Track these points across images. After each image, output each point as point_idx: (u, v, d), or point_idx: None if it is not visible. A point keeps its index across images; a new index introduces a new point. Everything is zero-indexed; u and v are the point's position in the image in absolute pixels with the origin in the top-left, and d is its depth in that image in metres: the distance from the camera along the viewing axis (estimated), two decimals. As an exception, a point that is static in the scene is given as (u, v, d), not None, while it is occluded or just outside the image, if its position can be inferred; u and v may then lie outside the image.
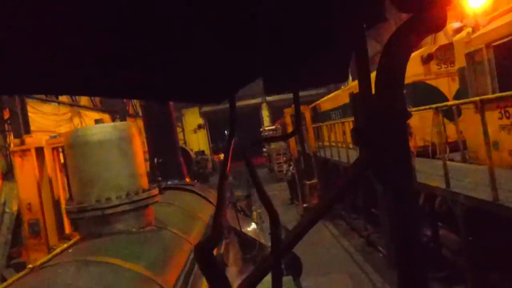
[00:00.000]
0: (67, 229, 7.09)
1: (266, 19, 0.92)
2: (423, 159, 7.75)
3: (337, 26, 1.00)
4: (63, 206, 7.08)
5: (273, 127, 25.90)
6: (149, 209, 3.08)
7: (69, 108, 14.49)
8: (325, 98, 20.12)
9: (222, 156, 28.75)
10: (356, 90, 9.03)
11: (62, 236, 6.98)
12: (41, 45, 0.78)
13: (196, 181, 6.04)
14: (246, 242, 4.51)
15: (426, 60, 9.16)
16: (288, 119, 13.25)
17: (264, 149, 27.37)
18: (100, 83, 1.07)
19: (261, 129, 26.93)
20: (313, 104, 18.50)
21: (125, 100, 20.51)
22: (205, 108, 31.12)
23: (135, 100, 23.39)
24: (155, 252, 2.78)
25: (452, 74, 8.91)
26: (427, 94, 8.73)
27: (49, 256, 2.87)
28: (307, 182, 12.76)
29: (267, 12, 0.88)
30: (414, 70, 8.96)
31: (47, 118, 12.66)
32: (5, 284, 2.53)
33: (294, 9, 0.90)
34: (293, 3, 0.87)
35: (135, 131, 3.11)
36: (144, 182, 3.13)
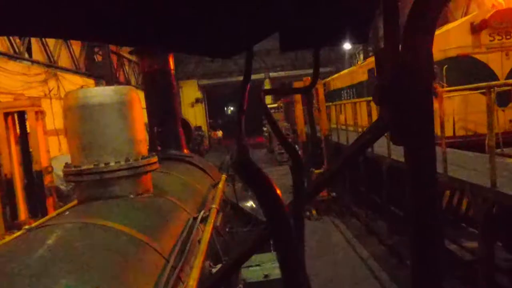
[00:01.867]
0: (22, 215, 6.54)
1: None
2: (464, 153, 6.77)
3: None
4: (18, 186, 6.61)
5: (276, 105, 25.78)
6: (148, 176, 3.22)
7: (43, 68, 13.19)
8: (336, 75, 19.27)
9: (220, 133, 28.66)
10: (372, 65, 8.90)
11: (12, 223, 6.33)
12: None
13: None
14: (242, 217, 4.71)
15: (477, 28, 7.70)
16: (297, 95, 12.30)
17: (265, 128, 27.25)
18: (108, 28, 1.11)
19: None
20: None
21: (115, 65, 20.21)
22: (204, 81, 31.01)
23: (127, 67, 23.20)
24: (152, 218, 2.93)
25: (507, 48, 7.69)
26: (473, 71, 7.52)
27: (45, 218, 3.03)
28: (315, 171, 11.19)
29: None
30: (460, 41, 7.79)
31: (13, 79, 11.43)
32: (0, 242, 2.67)
33: None
34: None
35: (136, 96, 3.22)
36: (144, 148, 3.26)
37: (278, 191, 0.92)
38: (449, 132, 7.39)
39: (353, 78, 15.03)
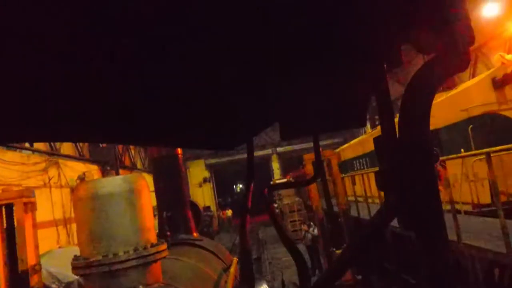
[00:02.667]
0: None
1: (283, 63, 0.97)
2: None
3: (356, 69, 1.05)
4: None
5: (285, 180, 25.68)
6: (157, 265, 3.23)
7: (44, 157, 13.06)
8: (345, 145, 18.91)
9: (229, 212, 28.32)
10: (379, 133, 8.93)
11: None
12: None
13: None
14: (257, 302, 4.58)
15: (500, 84, 7.49)
16: (309, 167, 11.25)
17: (275, 204, 26.94)
18: (116, 130, 1.23)
19: (271, 183, 26.95)
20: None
21: (119, 150, 20.68)
22: (211, 160, 31.55)
23: (132, 151, 23.81)
24: (163, 310, 2.90)
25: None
26: (501, 129, 7.22)
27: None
28: (336, 251, 9.98)
29: (285, 56, 0.93)
30: (483, 98, 7.59)
31: (11, 169, 11.25)
32: None
33: (313, 52, 0.95)
34: (311, 46, 0.92)
35: (145, 183, 3.35)
36: (153, 236, 3.31)
37: None
38: (485, 199, 7.00)
39: (365, 147, 14.50)
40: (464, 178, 7.61)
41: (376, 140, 0.99)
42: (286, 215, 22.59)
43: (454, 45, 0.78)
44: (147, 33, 0.76)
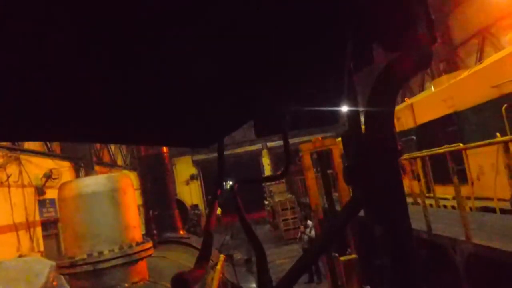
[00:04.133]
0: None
1: (255, 61, 1.02)
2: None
3: (325, 68, 1.12)
4: None
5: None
6: (143, 263, 3.41)
7: (1, 152, 11.62)
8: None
9: (218, 210, 28.00)
10: (397, 114, 8.21)
11: None
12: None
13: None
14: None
15: None
16: (307, 159, 9.90)
17: (266, 202, 26.90)
18: (88, 129, 1.28)
19: (263, 176, 26.80)
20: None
21: (97, 145, 20.28)
22: (199, 157, 31.57)
23: (112, 148, 23.68)
24: (148, 308, 3.08)
25: None
26: None
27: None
28: (340, 258, 8.74)
29: (257, 54, 0.99)
30: None
31: None
32: None
33: (283, 53, 1.01)
34: (283, 48, 0.98)
35: (129, 181, 3.51)
36: (138, 234, 3.48)
37: None
38: (505, 193, 6.41)
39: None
40: (500, 170, 6.63)
41: (343, 135, 1.04)
42: (278, 213, 22.37)
43: (417, 43, 0.86)
44: (128, 34, 0.82)
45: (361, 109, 0.99)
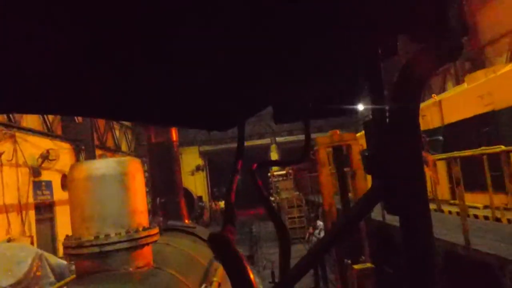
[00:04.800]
0: None
1: (279, 46, 1.03)
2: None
3: (351, 56, 1.13)
4: None
5: (284, 171, 25.65)
6: (148, 248, 3.53)
7: None
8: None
9: (222, 203, 27.77)
10: (422, 112, 8.15)
11: None
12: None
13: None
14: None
15: None
16: (323, 154, 9.05)
17: (272, 198, 26.97)
18: (105, 104, 1.24)
19: (269, 174, 27.12)
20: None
21: (101, 129, 20.20)
22: (206, 147, 31.77)
23: (117, 132, 23.83)
24: (152, 293, 3.20)
25: None
26: None
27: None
28: (354, 266, 7.90)
29: (281, 39, 1.00)
30: None
31: None
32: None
33: (308, 38, 1.01)
34: (307, 33, 0.98)
35: (139, 167, 3.63)
36: (145, 219, 3.60)
37: (251, 274, 1.02)
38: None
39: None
40: None
41: (365, 124, 1.03)
42: (284, 210, 21.99)
43: (448, 34, 0.85)
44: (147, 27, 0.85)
45: (386, 101, 0.98)
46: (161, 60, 1.00)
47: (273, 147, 30.91)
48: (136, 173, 3.62)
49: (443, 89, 18.01)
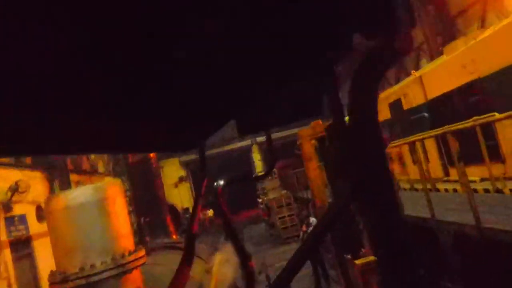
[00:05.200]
0: None
1: (234, 61, 1.04)
2: None
3: (306, 64, 1.15)
4: None
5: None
6: (137, 271, 3.52)
7: None
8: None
9: (210, 212, 27.40)
10: (396, 96, 8.59)
11: None
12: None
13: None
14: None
15: None
16: (307, 148, 8.72)
17: (259, 200, 26.83)
18: (66, 140, 1.22)
19: (253, 176, 26.73)
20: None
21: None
22: (187, 157, 31.58)
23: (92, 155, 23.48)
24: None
25: None
26: None
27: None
28: (356, 261, 7.41)
29: (236, 54, 1.00)
30: None
31: None
32: None
33: (262, 48, 1.02)
34: (260, 42, 0.99)
35: (118, 190, 3.61)
36: (130, 243, 3.59)
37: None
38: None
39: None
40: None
41: (327, 129, 1.11)
42: (273, 211, 22.13)
43: (396, 29, 0.87)
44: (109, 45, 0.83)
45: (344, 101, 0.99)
46: (122, 90, 1.01)
47: (254, 147, 30.90)
48: (116, 197, 3.60)
49: (417, 68, 18.12)
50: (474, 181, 7.36)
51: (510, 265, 4.91)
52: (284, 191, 23.09)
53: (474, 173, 7.13)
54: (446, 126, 6.81)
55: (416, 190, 8.88)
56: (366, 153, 0.92)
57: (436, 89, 9.36)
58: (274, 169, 24.96)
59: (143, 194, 5.73)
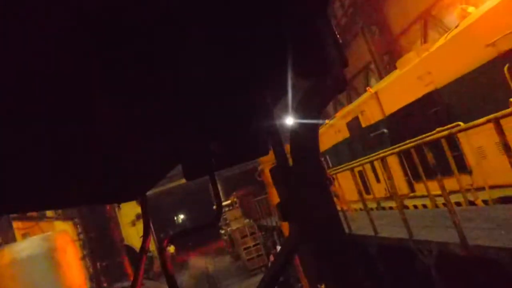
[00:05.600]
0: None
1: (178, 106, 1.05)
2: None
3: (246, 108, 1.18)
4: None
5: (229, 201, 25.34)
6: (94, 323, 3.41)
7: None
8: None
9: (172, 248, 26.52)
10: (353, 114, 8.35)
11: None
12: None
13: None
14: None
15: None
16: (267, 173, 8.43)
17: (222, 231, 26.45)
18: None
19: (214, 207, 26.27)
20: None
21: None
22: (143, 193, 30.84)
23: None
24: None
25: None
26: None
27: None
28: None
29: (178, 99, 1.02)
30: None
31: None
32: None
33: (203, 93, 1.04)
34: (200, 88, 1.01)
35: (68, 239, 3.52)
36: (85, 293, 3.49)
37: None
38: None
39: (331, 139, 12.58)
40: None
41: (271, 171, 1.07)
42: (237, 242, 21.58)
43: (331, 68, 0.91)
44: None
45: (285, 143, 1.02)
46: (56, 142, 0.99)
47: (214, 178, 30.61)
48: (67, 246, 3.51)
49: (368, 85, 18.54)
50: (440, 195, 6.80)
51: (499, 283, 4.75)
52: (247, 220, 22.85)
53: (434, 187, 6.80)
54: (408, 141, 6.68)
55: (384, 208, 9.03)
56: (310, 195, 0.93)
57: (393, 104, 9.37)
58: (235, 199, 24.87)
59: (97, 238, 5.57)
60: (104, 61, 0.82)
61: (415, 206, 8.03)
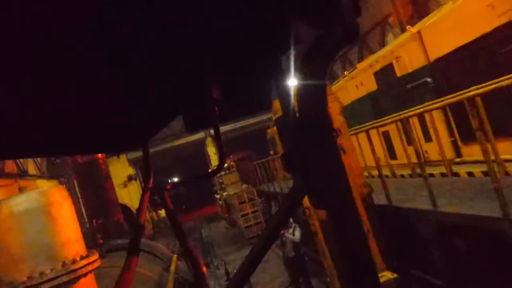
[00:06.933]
0: None
1: (179, 54, 1.08)
2: None
3: (251, 56, 1.20)
4: None
5: (225, 165, 25.17)
6: (90, 276, 3.68)
7: None
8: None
9: (163, 212, 26.82)
10: (384, 61, 7.89)
11: None
12: None
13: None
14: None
15: None
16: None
17: (217, 196, 26.57)
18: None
19: (209, 170, 26.58)
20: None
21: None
22: (134, 154, 31.18)
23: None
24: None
25: None
26: None
27: None
28: None
29: (180, 47, 1.05)
30: None
31: None
32: None
33: (207, 42, 1.07)
34: (204, 36, 1.04)
35: (64, 194, 3.75)
36: (81, 248, 3.74)
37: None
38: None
39: (345, 98, 11.13)
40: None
41: (277, 121, 1.20)
42: (234, 208, 21.35)
43: (342, 16, 0.89)
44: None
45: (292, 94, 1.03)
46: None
47: (209, 140, 30.88)
48: (63, 201, 3.72)
49: (382, 44, 17.65)
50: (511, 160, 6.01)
51: None
52: (245, 185, 22.72)
53: (505, 150, 5.94)
54: (468, 90, 5.28)
55: (411, 176, 8.25)
56: (318, 147, 0.95)
57: (443, 45, 7.76)
58: (232, 162, 24.98)
59: (93, 196, 5.90)
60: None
61: (471, 174, 6.77)
